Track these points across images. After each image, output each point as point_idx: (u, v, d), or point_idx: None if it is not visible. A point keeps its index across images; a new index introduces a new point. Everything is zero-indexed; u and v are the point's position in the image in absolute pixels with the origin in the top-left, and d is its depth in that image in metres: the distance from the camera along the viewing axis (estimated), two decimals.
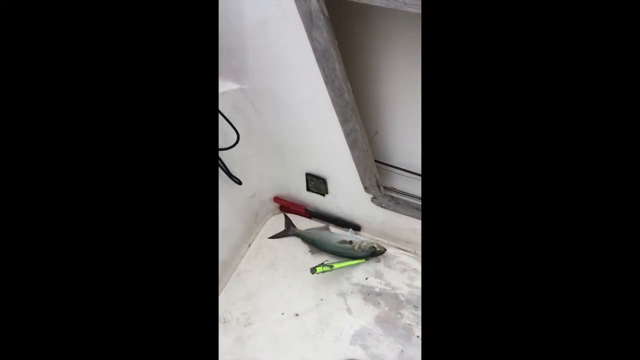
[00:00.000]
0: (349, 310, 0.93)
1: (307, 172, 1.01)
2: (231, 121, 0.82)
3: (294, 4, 0.60)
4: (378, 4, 0.54)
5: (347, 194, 0.99)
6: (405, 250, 1.03)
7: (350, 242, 0.99)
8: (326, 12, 0.60)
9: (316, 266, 0.92)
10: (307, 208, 1.12)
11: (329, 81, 0.70)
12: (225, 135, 0.84)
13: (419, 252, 1.02)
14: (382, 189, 0.91)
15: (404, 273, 0.99)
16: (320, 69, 0.68)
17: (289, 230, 1.09)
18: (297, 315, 0.93)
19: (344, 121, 0.76)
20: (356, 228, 1.09)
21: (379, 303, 0.94)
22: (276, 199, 1.14)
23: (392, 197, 0.94)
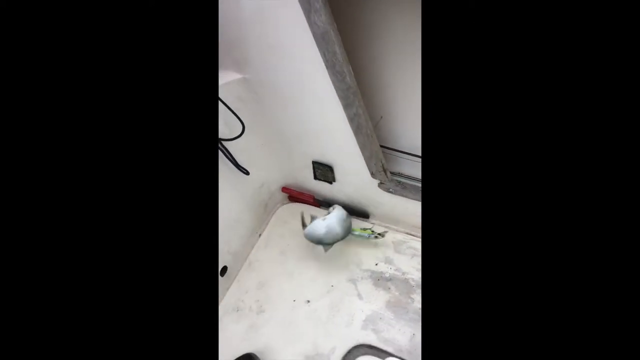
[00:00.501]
0: (359, 296, 0.93)
1: (313, 160, 1.01)
2: (235, 112, 0.82)
3: None
4: None
5: (354, 181, 0.99)
6: (414, 235, 1.03)
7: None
8: None
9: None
10: (316, 197, 1.13)
11: (330, 65, 0.70)
12: (230, 126, 0.85)
13: None
14: (388, 174, 0.91)
15: (413, 258, 0.98)
16: (320, 53, 0.68)
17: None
18: (308, 301, 0.94)
19: (346, 106, 0.76)
20: (365, 215, 1.09)
21: (389, 288, 0.94)
22: (284, 189, 1.15)
23: (399, 182, 0.93)
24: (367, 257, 1.00)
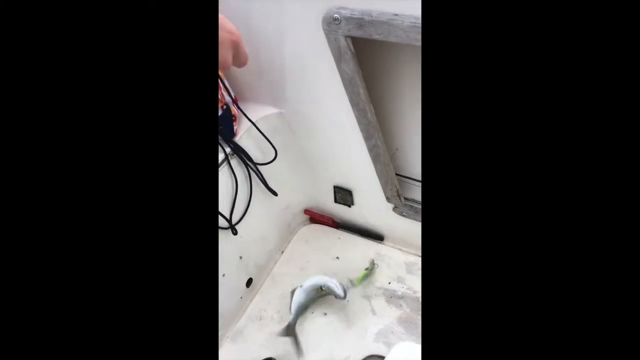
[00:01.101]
0: (373, 311, 1.01)
1: (334, 184, 1.13)
2: (271, 140, 0.96)
3: (326, 44, 0.74)
4: (393, 40, 0.67)
5: (371, 205, 1.10)
6: None
7: (321, 288, 1.01)
8: (352, 48, 0.74)
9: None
10: (335, 219, 1.24)
11: (354, 104, 0.83)
12: (264, 152, 0.99)
13: None
14: (402, 199, 1.01)
15: None
16: (347, 94, 0.82)
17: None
18: (325, 314, 1.02)
19: (367, 138, 0.89)
20: (379, 237, 1.18)
21: (401, 305, 1.01)
22: (307, 211, 1.26)
23: (412, 207, 1.03)
24: (381, 276, 1.09)
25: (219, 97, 0.88)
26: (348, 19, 0.69)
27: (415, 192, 1.05)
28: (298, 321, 1.00)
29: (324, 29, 0.73)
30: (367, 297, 1.05)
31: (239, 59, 0.46)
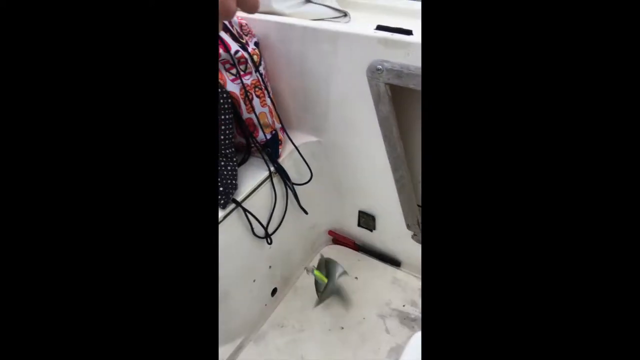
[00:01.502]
0: (387, 330, 1.09)
1: (360, 209, 1.24)
2: (308, 164, 1.09)
3: (368, 87, 0.89)
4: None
5: (392, 231, 1.20)
6: None
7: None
8: (389, 93, 0.88)
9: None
10: (356, 242, 1.33)
11: (386, 139, 0.96)
12: (301, 174, 1.12)
13: None
14: (421, 227, 1.11)
15: None
16: (381, 130, 0.95)
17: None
18: (342, 328, 1.10)
19: (395, 169, 1.01)
20: (397, 263, 1.27)
21: (413, 327, 1.09)
22: (331, 232, 1.36)
23: None
24: (396, 299, 1.16)
25: (270, 122, 1.02)
26: (389, 70, 0.83)
27: None
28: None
29: (367, 75, 0.87)
30: (382, 317, 1.12)
31: (247, 4, 0.36)
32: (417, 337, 0.66)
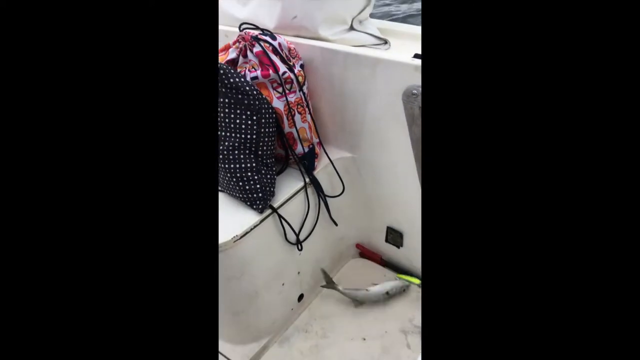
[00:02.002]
0: (408, 345, 1.11)
1: (388, 225, 1.28)
2: (342, 177, 1.16)
3: (403, 110, 0.95)
4: None
5: (419, 249, 1.23)
6: None
7: (387, 292, 1.23)
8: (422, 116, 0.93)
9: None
10: (383, 257, 1.37)
11: (417, 159, 1.00)
12: (334, 186, 1.18)
13: None
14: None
15: None
16: (413, 150, 1.00)
17: (330, 285, 1.28)
18: (364, 339, 1.14)
19: None
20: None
21: None
22: (358, 245, 1.41)
23: None
24: (419, 316, 1.18)
25: (309, 137, 1.10)
26: None
27: None
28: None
29: (403, 99, 0.93)
30: (404, 332, 1.14)
31: None
32: None
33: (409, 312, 1.20)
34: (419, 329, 1.15)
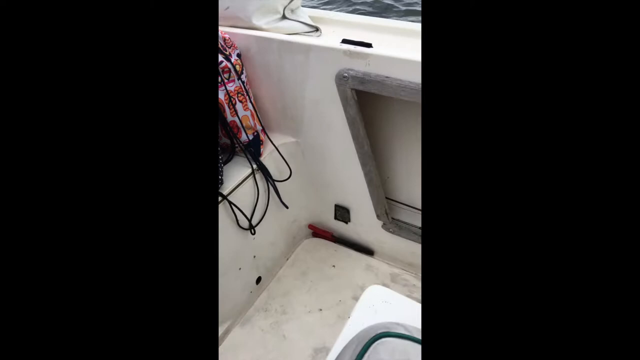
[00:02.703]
0: None
1: (335, 203, 1.36)
2: (288, 162, 1.21)
3: (337, 93, 1.02)
4: (385, 94, 0.94)
5: (364, 222, 1.33)
6: (407, 271, 1.32)
7: None
8: (355, 97, 1.01)
9: None
10: (333, 234, 1.46)
11: (355, 138, 1.09)
12: (281, 171, 1.24)
13: (419, 273, 1.31)
14: (389, 217, 1.25)
15: (405, 287, 1.27)
16: (350, 130, 1.08)
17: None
18: (320, 310, 1.22)
19: (363, 165, 1.14)
20: (370, 252, 1.39)
21: None
22: (310, 225, 1.48)
23: (397, 224, 1.26)
24: (369, 283, 1.29)
25: (252, 125, 1.14)
26: (353, 77, 0.96)
27: (401, 214, 1.28)
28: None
29: (336, 82, 1.01)
30: (356, 299, 1.24)
31: None
32: (370, 289, 0.78)
33: (359, 280, 1.30)
34: None
